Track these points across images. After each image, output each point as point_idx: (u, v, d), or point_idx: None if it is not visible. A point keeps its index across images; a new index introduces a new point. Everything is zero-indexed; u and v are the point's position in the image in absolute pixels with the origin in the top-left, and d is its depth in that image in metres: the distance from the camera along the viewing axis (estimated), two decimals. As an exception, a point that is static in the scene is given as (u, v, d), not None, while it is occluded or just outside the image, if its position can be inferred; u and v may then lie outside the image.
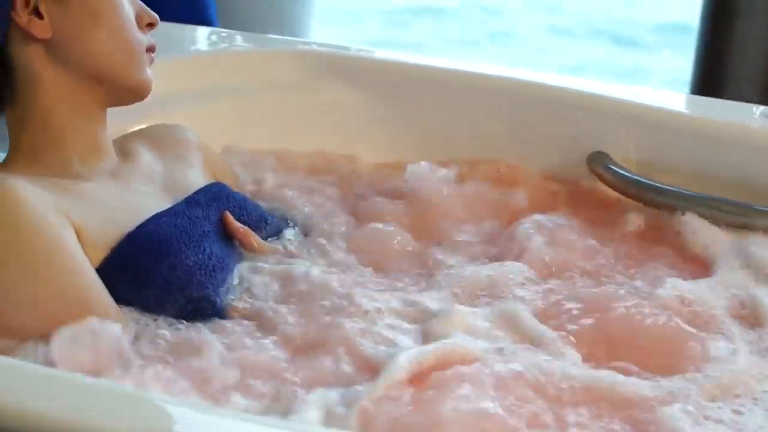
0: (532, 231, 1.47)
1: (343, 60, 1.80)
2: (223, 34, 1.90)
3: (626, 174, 1.65)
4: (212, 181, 1.51)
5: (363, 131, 1.75)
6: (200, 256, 1.28)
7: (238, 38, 1.85)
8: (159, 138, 1.52)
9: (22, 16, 1.28)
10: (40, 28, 1.29)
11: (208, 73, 1.74)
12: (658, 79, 5.47)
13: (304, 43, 1.92)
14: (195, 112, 1.69)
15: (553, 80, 1.76)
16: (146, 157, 1.45)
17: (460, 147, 1.74)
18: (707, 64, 3.14)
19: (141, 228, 1.29)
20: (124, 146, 1.44)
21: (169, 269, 1.25)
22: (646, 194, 1.62)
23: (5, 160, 1.35)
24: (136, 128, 1.56)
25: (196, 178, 1.48)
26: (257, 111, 1.74)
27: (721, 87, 3.06)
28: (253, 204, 1.48)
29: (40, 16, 1.28)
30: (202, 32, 1.86)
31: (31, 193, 1.21)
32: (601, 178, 1.67)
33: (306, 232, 1.50)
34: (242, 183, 1.62)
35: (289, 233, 1.48)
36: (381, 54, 1.87)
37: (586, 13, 6.59)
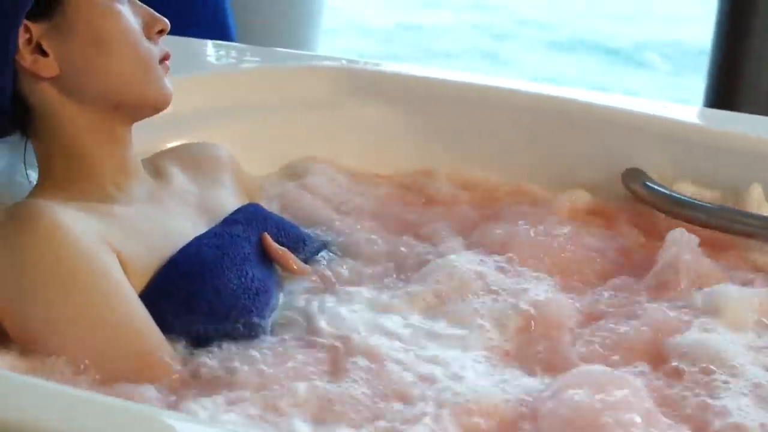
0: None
1: (367, 75, 1.77)
2: (242, 50, 1.87)
3: (663, 190, 1.62)
4: (246, 200, 1.48)
5: (388, 146, 1.72)
6: (243, 279, 1.25)
7: (259, 54, 1.82)
8: (191, 157, 1.48)
9: (26, 58, 1.23)
10: (47, 67, 1.24)
11: (232, 89, 1.70)
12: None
13: (327, 58, 1.89)
14: (219, 129, 1.66)
15: (585, 96, 1.74)
16: (179, 178, 1.42)
17: (489, 164, 1.71)
18: (720, 82, 3.14)
19: (183, 252, 1.26)
20: (155, 166, 1.41)
21: (213, 293, 1.22)
22: (685, 210, 1.59)
23: (37, 187, 1.31)
24: (164, 146, 1.54)
25: (231, 199, 1.45)
26: (282, 128, 1.70)
27: (735, 106, 3.05)
28: (289, 224, 1.45)
29: (44, 53, 1.24)
30: (222, 48, 1.83)
31: (71, 220, 1.17)
32: (637, 194, 1.64)
33: (343, 252, 1.47)
34: (273, 202, 1.58)
35: (327, 253, 1.44)
36: (405, 69, 1.84)
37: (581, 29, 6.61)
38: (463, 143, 1.71)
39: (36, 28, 1.23)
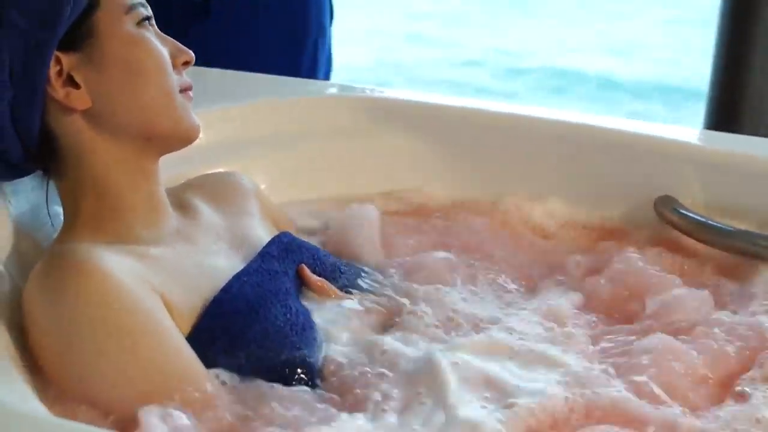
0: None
1: (393, 104, 1.76)
2: (266, 81, 1.85)
3: (697, 217, 1.60)
4: (273, 229, 1.46)
5: (421, 175, 1.70)
6: (288, 315, 1.21)
7: (287, 84, 1.81)
8: (215, 188, 1.45)
9: (57, 90, 1.20)
10: (79, 99, 1.21)
11: (258, 120, 1.69)
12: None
13: (350, 88, 1.87)
14: (246, 160, 1.64)
15: (616, 124, 1.72)
16: (205, 211, 1.38)
17: (519, 193, 1.69)
18: (719, 118, 3.13)
19: (226, 292, 1.22)
20: (178, 199, 1.37)
21: (261, 334, 1.18)
22: (718, 238, 1.57)
23: (66, 229, 1.27)
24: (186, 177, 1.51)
25: (260, 229, 1.42)
26: (315, 158, 1.69)
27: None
28: (323, 252, 1.42)
29: (75, 85, 1.21)
30: (252, 79, 1.81)
31: (114, 264, 1.13)
32: (670, 222, 1.62)
33: (379, 279, 1.44)
34: (306, 230, 1.56)
35: (363, 282, 1.42)
36: (436, 99, 1.81)
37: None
38: (491, 172, 1.70)
39: (67, 59, 1.20)
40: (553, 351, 1.24)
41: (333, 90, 1.81)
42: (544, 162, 1.70)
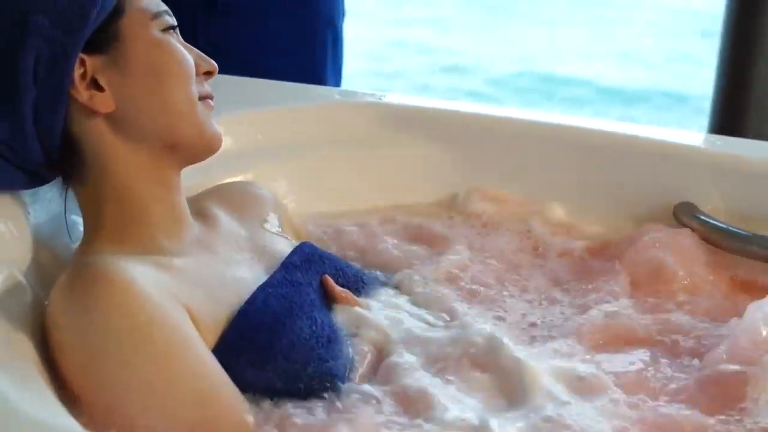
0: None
1: (410, 111, 1.74)
2: (283, 87, 1.83)
3: (717, 223, 1.59)
4: (292, 239, 1.44)
5: (437, 182, 1.68)
6: (314, 327, 1.19)
7: (300, 91, 1.79)
8: (233, 197, 1.43)
9: (82, 93, 1.18)
10: (103, 102, 1.18)
11: (276, 127, 1.67)
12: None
13: (369, 94, 1.85)
14: (264, 168, 1.62)
15: (635, 131, 1.71)
16: (224, 220, 1.36)
17: (538, 200, 1.68)
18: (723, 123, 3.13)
19: (251, 304, 1.20)
20: (198, 208, 1.35)
21: (288, 346, 1.16)
22: (740, 244, 1.56)
23: (86, 239, 1.24)
24: (208, 186, 1.49)
25: (280, 239, 1.40)
26: (331, 166, 1.67)
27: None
28: (345, 263, 1.40)
29: (99, 88, 1.19)
30: (263, 86, 1.79)
31: (139, 275, 1.11)
32: (690, 228, 1.61)
33: (400, 288, 1.43)
34: (325, 241, 1.54)
35: (385, 291, 1.40)
36: (452, 105, 1.79)
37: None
38: (508, 179, 1.68)
39: (91, 62, 1.18)
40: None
41: (348, 97, 1.79)
42: (561, 169, 1.68)
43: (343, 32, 2.39)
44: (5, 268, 1.19)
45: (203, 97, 1.26)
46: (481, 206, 1.63)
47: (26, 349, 1.11)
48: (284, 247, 1.38)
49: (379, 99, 1.76)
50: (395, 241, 1.55)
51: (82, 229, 1.35)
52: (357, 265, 1.45)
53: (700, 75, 6.52)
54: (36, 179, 1.27)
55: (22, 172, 1.23)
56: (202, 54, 1.28)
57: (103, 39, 1.19)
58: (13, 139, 1.18)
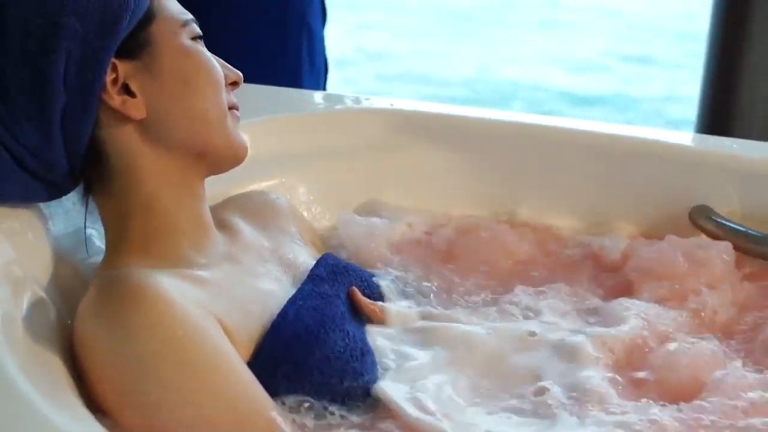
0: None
1: (425, 117, 1.72)
2: (296, 95, 1.82)
3: (734, 225, 1.59)
4: (312, 249, 1.43)
5: (452, 189, 1.67)
6: (347, 340, 1.18)
7: (312, 98, 1.77)
8: (253, 208, 1.41)
9: (114, 98, 1.16)
10: (135, 108, 1.17)
11: (289, 134, 1.64)
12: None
13: (384, 101, 1.84)
14: (281, 174, 1.61)
15: (647, 134, 1.70)
16: (246, 231, 1.34)
17: (555, 205, 1.67)
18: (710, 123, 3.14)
19: (283, 317, 1.18)
20: (217, 219, 1.32)
21: (323, 360, 1.14)
22: (757, 246, 1.56)
23: (111, 252, 1.21)
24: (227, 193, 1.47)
25: (302, 249, 1.39)
26: (345, 173, 1.65)
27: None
28: (368, 273, 1.39)
29: (131, 94, 1.17)
30: (272, 93, 1.78)
31: (173, 289, 1.08)
32: (706, 231, 1.60)
33: (426, 297, 1.41)
34: (344, 249, 1.53)
35: (407, 301, 1.39)
36: (461, 111, 1.78)
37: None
38: (522, 184, 1.67)
39: (123, 67, 1.16)
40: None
41: (356, 103, 1.78)
42: (575, 174, 1.67)
43: (323, 36, 2.39)
44: (28, 284, 1.17)
45: (230, 107, 1.25)
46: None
47: (56, 366, 1.08)
48: (306, 258, 1.36)
49: (391, 106, 1.75)
50: (416, 251, 1.54)
51: (98, 242, 1.34)
52: (379, 274, 1.43)
53: (656, 77, 6.59)
54: (54, 191, 1.24)
55: (41, 182, 1.20)
56: (227, 64, 1.27)
57: (136, 45, 1.17)
58: (39, 145, 1.15)
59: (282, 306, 1.21)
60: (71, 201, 1.31)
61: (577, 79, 6.62)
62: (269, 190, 1.54)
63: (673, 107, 5.98)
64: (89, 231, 1.33)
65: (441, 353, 1.24)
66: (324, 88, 2.50)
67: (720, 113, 3.11)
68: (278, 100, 1.73)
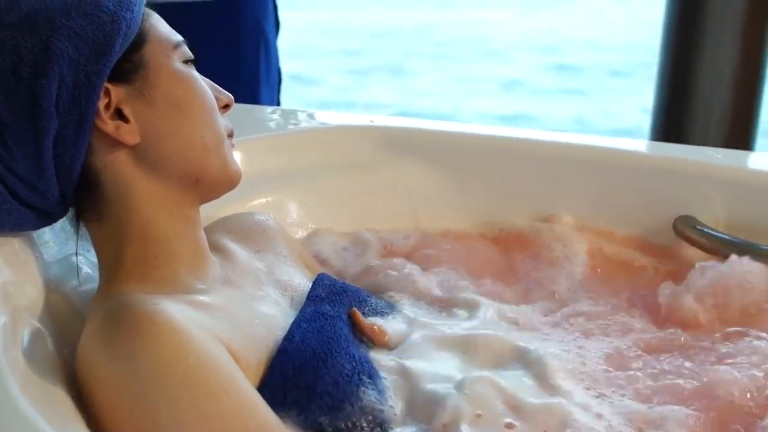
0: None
1: (407, 134, 1.71)
2: (273, 113, 1.80)
3: (718, 234, 1.60)
4: (304, 269, 1.41)
5: (437, 203, 1.66)
6: (354, 363, 1.16)
7: (291, 116, 1.75)
8: (243, 230, 1.39)
9: (108, 123, 1.13)
10: (130, 134, 1.14)
11: (272, 154, 1.63)
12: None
13: (360, 117, 1.83)
14: (265, 195, 1.59)
15: (630, 145, 1.71)
16: (239, 253, 1.32)
17: (539, 216, 1.68)
18: (665, 131, 3.17)
19: (290, 341, 1.16)
20: (209, 243, 1.30)
21: (332, 384, 1.12)
22: (741, 254, 1.57)
23: (107, 280, 1.18)
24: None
25: (296, 270, 1.37)
26: (330, 191, 1.63)
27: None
28: (365, 293, 1.37)
29: (124, 119, 1.14)
30: (251, 111, 1.76)
31: (179, 315, 1.06)
32: (691, 240, 1.62)
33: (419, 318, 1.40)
34: (334, 267, 1.51)
35: (406, 321, 1.37)
36: (447, 126, 1.77)
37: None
38: (512, 197, 1.67)
39: (116, 92, 1.14)
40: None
41: (341, 120, 1.76)
42: (560, 187, 1.68)
43: (277, 47, 2.39)
44: (24, 315, 1.14)
45: (228, 134, 1.24)
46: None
47: (58, 396, 1.05)
48: (301, 278, 1.34)
49: (374, 123, 1.74)
50: (406, 269, 1.53)
51: (85, 269, 1.31)
52: (373, 293, 1.42)
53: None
54: (45, 218, 1.21)
55: (32, 210, 1.17)
56: (216, 86, 1.25)
57: (128, 68, 1.15)
58: (30, 173, 1.12)
59: (285, 329, 1.20)
60: (58, 227, 1.28)
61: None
62: (255, 210, 1.52)
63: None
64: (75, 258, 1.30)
65: (447, 365, 1.24)
66: (278, 100, 2.50)
67: (675, 121, 3.14)
68: (255, 118, 1.71)
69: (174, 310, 1.07)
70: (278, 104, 2.54)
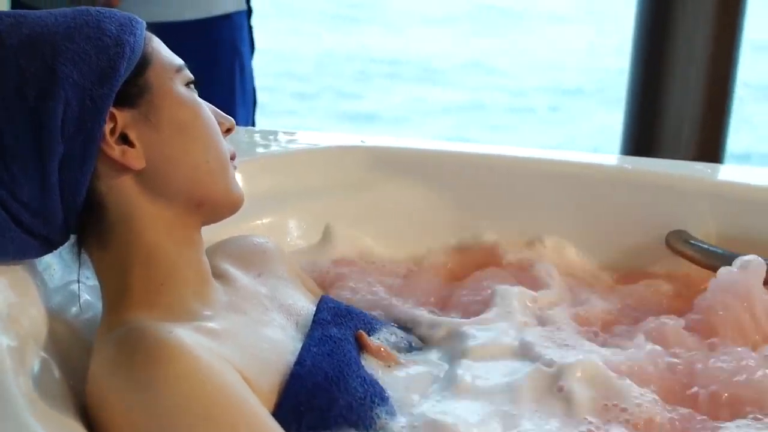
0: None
1: (398, 153, 1.71)
2: (255, 134, 1.79)
3: (710, 248, 1.62)
4: (306, 291, 1.40)
5: (430, 222, 1.66)
6: (365, 386, 1.15)
7: (275, 137, 1.74)
8: (242, 253, 1.37)
9: (114, 147, 1.11)
10: (136, 159, 1.13)
11: (265, 175, 1.61)
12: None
13: (350, 137, 1.82)
14: (258, 218, 1.57)
15: (620, 161, 1.73)
16: (241, 279, 1.30)
17: (532, 232, 1.68)
18: (635, 145, 3.19)
19: (302, 366, 1.14)
20: (211, 267, 1.28)
21: (347, 408, 1.11)
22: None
23: (113, 307, 1.15)
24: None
25: (298, 293, 1.35)
26: (322, 212, 1.62)
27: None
28: (369, 315, 1.36)
29: (130, 143, 1.13)
30: (245, 133, 1.74)
31: (193, 342, 1.05)
32: (683, 255, 1.62)
33: (426, 341, 1.39)
34: (332, 289, 1.50)
35: (415, 343, 1.37)
36: (433, 145, 1.78)
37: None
38: (504, 216, 1.67)
39: (121, 116, 1.12)
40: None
41: (334, 141, 1.75)
42: (551, 204, 1.68)
43: (252, 67, 2.39)
44: (29, 342, 1.11)
45: (231, 158, 1.23)
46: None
47: (72, 426, 1.03)
48: (304, 301, 1.33)
49: (365, 143, 1.73)
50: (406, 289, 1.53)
51: (84, 295, 1.28)
52: (377, 314, 1.41)
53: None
54: (46, 246, 1.18)
55: (33, 238, 1.15)
56: (218, 110, 1.24)
57: (133, 92, 1.13)
58: (35, 199, 1.10)
59: (294, 353, 1.18)
60: (58, 254, 1.25)
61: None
62: (251, 232, 1.50)
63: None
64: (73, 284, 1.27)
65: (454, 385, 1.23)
66: (253, 121, 2.49)
67: (645, 136, 3.15)
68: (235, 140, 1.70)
69: (188, 337, 1.06)
70: (253, 125, 2.53)
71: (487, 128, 6.23)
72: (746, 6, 3.06)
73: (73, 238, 1.20)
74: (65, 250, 1.23)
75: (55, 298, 1.25)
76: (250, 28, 2.44)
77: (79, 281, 1.23)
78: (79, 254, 1.20)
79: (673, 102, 3.07)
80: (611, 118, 4.37)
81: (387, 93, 7.04)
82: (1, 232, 1.11)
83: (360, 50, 7.88)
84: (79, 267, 1.21)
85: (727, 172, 1.76)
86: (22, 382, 1.03)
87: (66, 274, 1.28)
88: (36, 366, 1.09)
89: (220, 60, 2.30)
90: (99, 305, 1.25)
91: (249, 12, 2.45)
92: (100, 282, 1.20)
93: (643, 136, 3.17)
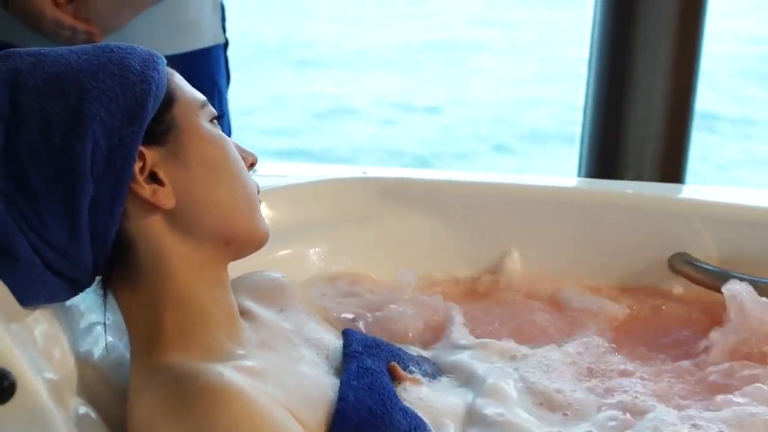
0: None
1: (401, 184, 1.71)
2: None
3: (713, 269, 1.64)
4: (326, 324, 1.39)
5: (440, 251, 1.66)
6: (408, 418, 1.14)
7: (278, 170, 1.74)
8: (261, 290, 1.35)
9: (145, 187, 1.09)
10: (166, 198, 1.10)
11: (269, 209, 1.59)
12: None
13: (352, 169, 1.82)
14: (269, 252, 1.55)
15: (623, 186, 1.75)
16: (265, 316, 1.28)
17: (535, 260, 1.69)
18: (596, 166, 3.18)
19: (345, 402, 1.13)
20: None
21: None
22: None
23: (143, 350, 1.13)
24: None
25: (320, 328, 1.34)
26: (326, 245, 1.62)
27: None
28: (395, 346, 1.35)
29: (159, 182, 1.11)
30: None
31: (247, 386, 1.03)
32: (686, 276, 1.65)
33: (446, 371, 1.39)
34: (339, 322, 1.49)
35: (439, 373, 1.37)
36: (440, 175, 1.78)
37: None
38: (509, 243, 1.68)
39: (150, 155, 1.10)
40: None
41: (335, 173, 1.75)
42: (555, 229, 1.69)
43: (228, 99, 2.38)
44: (66, 393, 1.09)
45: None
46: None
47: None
48: (329, 335, 1.32)
49: (366, 174, 1.73)
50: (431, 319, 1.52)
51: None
52: (401, 346, 1.40)
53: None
54: (74, 288, 1.16)
55: (62, 280, 1.12)
56: (239, 144, 1.23)
57: (160, 130, 1.11)
58: (63, 240, 1.07)
59: (332, 388, 1.17)
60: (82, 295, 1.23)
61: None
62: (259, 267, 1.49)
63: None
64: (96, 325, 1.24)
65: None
66: None
67: (608, 155, 3.14)
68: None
69: (237, 378, 1.04)
70: None
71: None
72: (703, 34, 3.07)
73: (97, 278, 1.18)
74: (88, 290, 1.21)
75: (84, 338, 1.22)
76: (226, 59, 2.43)
77: (105, 323, 1.21)
78: (104, 296, 1.18)
79: (635, 118, 3.05)
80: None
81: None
82: (33, 277, 1.08)
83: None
84: (105, 308, 1.19)
85: (726, 194, 1.78)
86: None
87: (87, 314, 1.25)
88: (75, 407, 1.08)
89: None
90: (120, 345, 1.23)
91: (225, 44, 2.44)
92: (127, 323, 1.17)
93: (606, 154, 3.14)
